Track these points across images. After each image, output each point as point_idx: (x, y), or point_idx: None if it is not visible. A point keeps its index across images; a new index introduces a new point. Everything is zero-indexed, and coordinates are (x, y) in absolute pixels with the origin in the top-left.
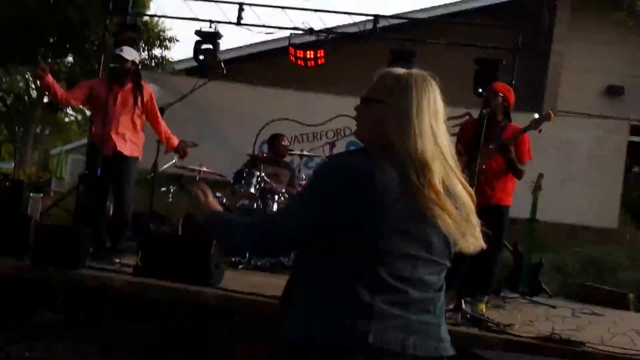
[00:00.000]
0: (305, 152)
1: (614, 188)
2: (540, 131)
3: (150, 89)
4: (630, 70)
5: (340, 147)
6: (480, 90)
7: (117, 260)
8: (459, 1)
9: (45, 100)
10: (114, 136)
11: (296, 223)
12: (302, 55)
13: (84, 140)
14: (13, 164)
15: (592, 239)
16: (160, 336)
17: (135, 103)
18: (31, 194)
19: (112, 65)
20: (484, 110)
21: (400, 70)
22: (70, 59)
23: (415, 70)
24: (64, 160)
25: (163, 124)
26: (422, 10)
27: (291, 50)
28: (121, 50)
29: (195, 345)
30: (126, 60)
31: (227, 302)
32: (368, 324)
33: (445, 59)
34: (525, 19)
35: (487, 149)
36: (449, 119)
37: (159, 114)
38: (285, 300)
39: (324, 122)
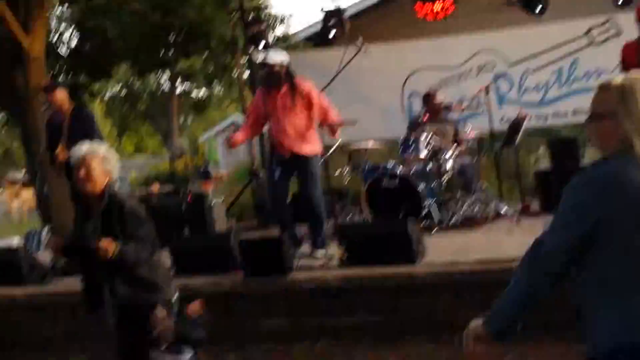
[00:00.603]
0: (464, 105)
1: None
2: None
3: (308, 84)
4: None
5: (492, 89)
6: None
7: (320, 256)
8: None
9: (178, 92)
10: (286, 139)
11: (561, 239)
12: (430, 10)
13: (228, 121)
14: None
15: None
16: (380, 322)
17: (294, 102)
18: (213, 201)
19: (262, 73)
20: None
21: (618, 80)
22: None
23: (630, 76)
24: (214, 145)
25: (332, 113)
26: None
27: (419, 5)
28: (265, 57)
29: (416, 324)
30: (273, 65)
31: (440, 277)
32: None
33: None
34: None
35: None
36: (590, 29)
37: (325, 104)
38: (578, 317)
39: (464, 61)
